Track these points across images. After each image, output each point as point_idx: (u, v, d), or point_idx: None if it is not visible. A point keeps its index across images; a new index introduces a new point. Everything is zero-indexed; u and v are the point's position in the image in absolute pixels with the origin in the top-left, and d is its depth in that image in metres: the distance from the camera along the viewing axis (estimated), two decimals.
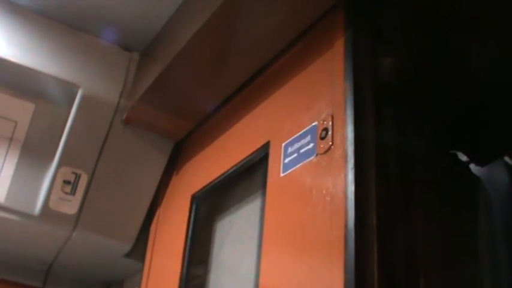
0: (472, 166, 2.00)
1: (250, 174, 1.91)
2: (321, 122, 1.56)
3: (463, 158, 1.98)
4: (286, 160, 1.65)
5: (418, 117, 1.74)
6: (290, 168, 1.62)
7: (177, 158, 2.40)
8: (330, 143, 1.49)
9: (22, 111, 2.27)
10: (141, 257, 2.38)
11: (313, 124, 1.59)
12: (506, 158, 2.03)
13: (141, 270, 2.35)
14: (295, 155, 1.61)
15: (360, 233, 1.32)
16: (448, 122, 1.90)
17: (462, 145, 1.95)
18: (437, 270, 1.57)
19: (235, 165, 1.93)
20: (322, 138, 1.52)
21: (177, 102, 2.23)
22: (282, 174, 1.65)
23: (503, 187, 1.96)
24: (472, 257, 1.75)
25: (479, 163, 2.01)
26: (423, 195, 1.62)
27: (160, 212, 2.37)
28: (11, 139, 2.22)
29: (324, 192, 1.45)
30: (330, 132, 1.51)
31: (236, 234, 1.95)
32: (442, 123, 1.86)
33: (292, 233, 1.52)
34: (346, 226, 1.33)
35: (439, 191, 1.71)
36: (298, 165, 1.59)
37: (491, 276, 1.79)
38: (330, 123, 1.52)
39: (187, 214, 2.12)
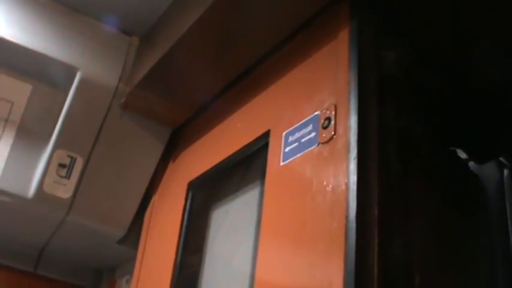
0: (471, 164, 1.99)
1: (249, 163, 1.89)
2: (324, 111, 1.54)
3: (462, 155, 1.96)
4: (287, 149, 1.63)
5: (420, 112, 1.72)
6: (290, 158, 1.60)
7: (174, 146, 2.38)
8: (333, 133, 1.47)
9: (19, 92, 2.24)
10: (135, 244, 2.36)
11: (316, 113, 1.57)
12: (501, 158, 2.01)
13: (134, 257, 2.32)
14: (296, 144, 1.59)
15: (361, 224, 1.30)
16: (449, 117, 1.88)
17: (462, 142, 1.94)
18: (434, 266, 1.55)
19: (234, 153, 1.90)
20: (325, 128, 1.51)
21: (176, 89, 2.21)
22: (282, 164, 1.63)
23: (495, 185, 1.96)
24: (470, 254, 1.73)
25: (478, 161, 2.00)
26: (423, 190, 1.61)
27: (155, 199, 2.35)
28: (6, 120, 2.20)
29: (325, 182, 1.43)
30: (332, 122, 1.49)
31: (232, 223, 1.93)
32: (443, 119, 1.85)
33: (291, 223, 1.50)
34: (347, 217, 1.31)
35: (439, 186, 1.69)
36: (298, 155, 1.57)
37: (488, 273, 1.78)
38: (333, 112, 1.50)
39: (183, 202, 2.09)
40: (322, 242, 1.36)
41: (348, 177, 1.36)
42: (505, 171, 1.95)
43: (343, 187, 1.36)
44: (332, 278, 1.28)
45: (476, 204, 1.88)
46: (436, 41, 1.76)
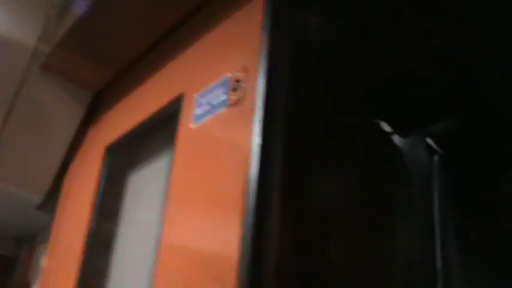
0: (395, 137, 1.99)
1: (165, 127, 1.85)
2: (235, 73, 1.51)
3: (386, 128, 1.96)
4: (198, 111, 1.59)
5: (341, 82, 1.70)
6: (201, 120, 1.56)
7: (95, 110, 2.32)
8: (241, 95, 1.44)
9: None
10: (54, 210, 2.30)
11: (227, 76, 1.54)
12: (428, 140, 2.02)
13: None
14: (208, 106, 1.56)
15: (261, 188, 1.27)
16: (372, 90, 1.87)
17: (385, 115, 1.93)
18: (350, 236, 1.54)
19: (149, 117, 1.86)
20: (234, 90, 1.47)
21: (97, 49, 2.14)
22: (192, 126, 1.59)
23: (423, 161, 1.97)
24: (388, 225, 1.73)
25: (402, 134, 2.00)
26: (341, 160, 1.59)
27: (74, 164, 2.29)
28: None
29: (231, 144, 1.40)
30: (243, 84, 1.46)
31: (147, 188, 1.89)
32: (366, 91, 1.83)
33: (198, 185, 1.48)
34: (247, 180, 1.29)
35: (359, 157, 1.68)
36: (209, 117, 1.54)
37: (406, 244, 1.79)
38: (243, 75, 1.47)
39: (99, 166, 2.05)
40: (224, 205, 1.34)
41: (251, 140, 1.33)
42: (435, 157, 1.97)
43: (247, 150, 1.33)
44: (230, 242, 1.25)
45: (397, 175, 1.88)
46: (366, 9, 1.73)
